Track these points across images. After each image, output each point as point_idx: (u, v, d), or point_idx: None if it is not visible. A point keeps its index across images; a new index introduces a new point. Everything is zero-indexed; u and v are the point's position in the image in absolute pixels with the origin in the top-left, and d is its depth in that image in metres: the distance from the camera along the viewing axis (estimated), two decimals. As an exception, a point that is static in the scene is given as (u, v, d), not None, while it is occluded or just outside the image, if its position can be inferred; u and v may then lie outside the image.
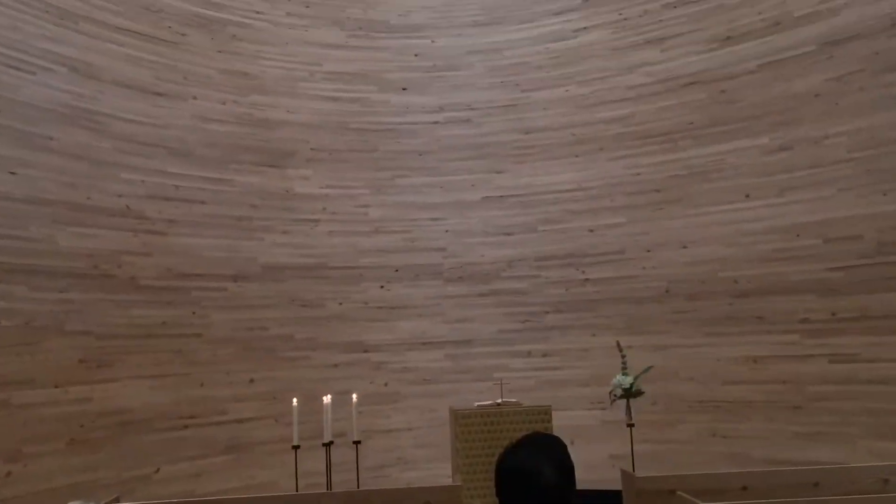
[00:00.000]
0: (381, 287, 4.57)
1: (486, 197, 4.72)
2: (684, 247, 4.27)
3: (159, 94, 4.22)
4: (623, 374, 3.40)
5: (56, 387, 3.33)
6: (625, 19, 4.77)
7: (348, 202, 4.57)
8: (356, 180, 4.62)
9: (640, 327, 4.28)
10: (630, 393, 3.36)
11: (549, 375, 4.44)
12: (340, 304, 4.49)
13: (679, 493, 2.36)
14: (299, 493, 3.12)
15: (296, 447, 3.21)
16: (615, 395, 3.40)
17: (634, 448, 3.28)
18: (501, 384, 3.70)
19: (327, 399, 3.35)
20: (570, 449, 1.03)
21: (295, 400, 3.32)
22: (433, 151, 4.81)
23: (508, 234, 4.65)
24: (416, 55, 4.95)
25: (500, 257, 4.64)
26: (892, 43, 3.80)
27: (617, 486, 2.93)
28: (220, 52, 4.52)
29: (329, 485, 3.25)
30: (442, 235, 4.69)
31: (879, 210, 3.74)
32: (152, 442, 3.67)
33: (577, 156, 4.64)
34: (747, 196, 4.16)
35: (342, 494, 2.73)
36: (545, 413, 3.50)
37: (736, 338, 4.00)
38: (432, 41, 4.98)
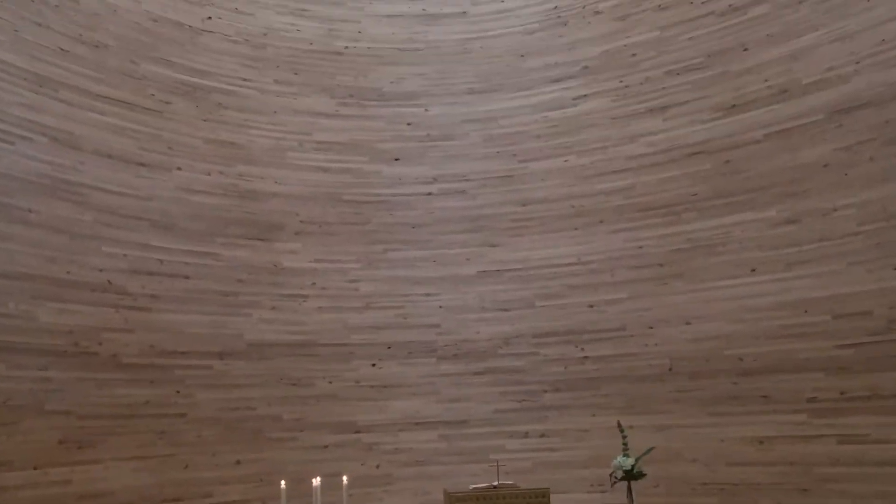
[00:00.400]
0: (373, 365, 4.91)
1: (482, 271, 5.11)
2: (688, 323, 4.61)
3: (142, 165, 4.65)
4: (624, 456, 3.68)
5: (35, 469, 3.61)
6: (626, 87, 5.24)
7: (338, 277, 4.96)
8: (347, 254, 5.03)
9: (642, 407, 4.59)
10: (631, 475, 3.64)
11: (547, 457, 4.71)
12: (330, 382, 4.82)
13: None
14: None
15: (284, 532, 3.44)
16: (616, 478, 3.68)
17: (637, 532, 3.56)
18: (498, 466, 3.94)
19: (316, 482, 3.61)
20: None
21: (283, 483, 3.58)
22: (427, 224, 5.22)
23: (505, 310, 5.02)
24: (409, 124, 5.42)
25: (496, 334, 4.99)
26: (903, 111, 4.06)
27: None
28: (205, 120, 4.98)
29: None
30: (436, 311, 5.06)
31: (890, 285, 4.05)
32: (134, 527, 3.94)
33: (576, 228, 5.04)
34: (753, 270, 4.51)
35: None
36: (543, 496, 3.73)
37: (741, 417, 4.29)
38: (426, 109, 5.47)
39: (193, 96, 4.95)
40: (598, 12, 5.47)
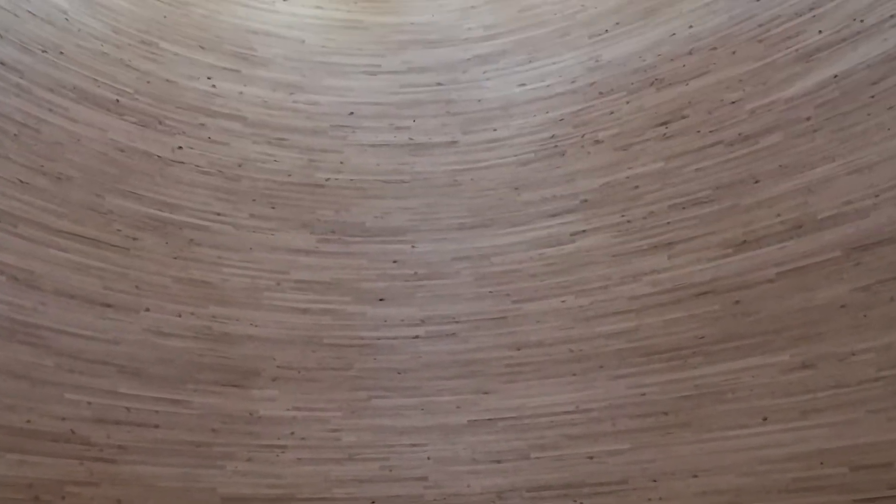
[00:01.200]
0: (356, 522, 5.45)
1: (473, 420, 5.67)
2: (695, 476, 5.14)
3: (108, 306, 5.26)
4: None
5: None
6: (628, 222, 5.85)
7: (319, 426, 5.53)
8: (328, 402, 5.62)
9: (648, 567, 5.09)
10: None
11: None
12: (311, 539, 5.35)
13: None
14: None
15: None
16: None
17: None
18: None
19: None
20: None
21: None
22: (414, 369, 5.83)
23: (498, 462, 5.55)
24: (394, 262, 6.13)
25: (488, 487, 5.50)
26: (927, 248, 4.71)
27: None
28: (175, 258, 5.64)
29: None
30: (423, 463, 5.60)
31: (911, 435, 4.51)
32: None
33: (574, 374, 5.62)
34: (765, 419, 5.02)
35: None
36: None
37: (755, 577, 4.77)
38: (413, 246, 6.19)
39: (163, 232, 5.65)
40: (598, 141, 6.20)
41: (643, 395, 5.49)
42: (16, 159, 5.20)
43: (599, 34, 6.62)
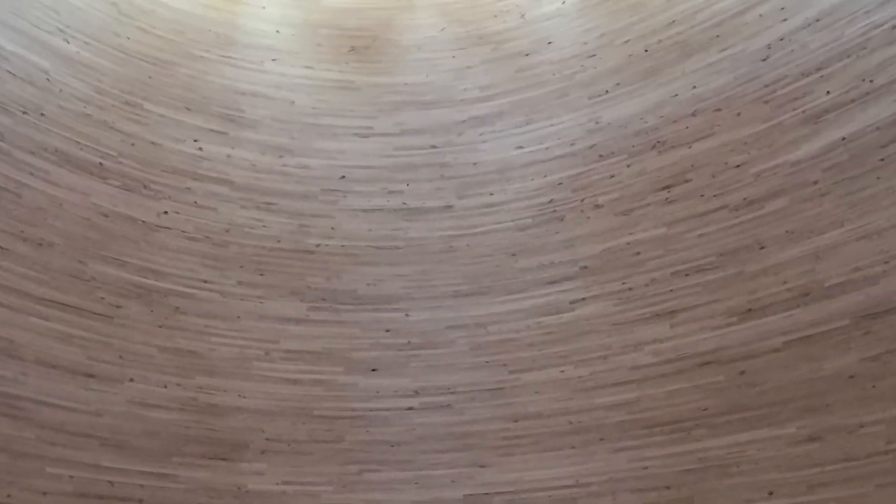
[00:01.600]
0: None
1: (469, 495, 5.89)
2: None
3: (91, 376, 5.47)
4: None
5: None
6: (629, 289, 6.11)
7: (309, 501, 5.74)
8: (318, 475, 5.83)
9: None
10: None
11: None
12: None
13: None
14: None
15: None
16: None
17: None
18: None
19: None
20: None
21: None
22: (407, 442, 6.05)
23: (495, 537, 5.79)
24: (387, 330, 6.39)
25: None
26: (939, 314, 4.93)
27: None
28: (160, 326, 5.88)
29: None
30: (418, 539, 5.85)
31: (923, 509, 4.74)
32: None
33: (574, 447, 5.84)
34: (771, 493, 5.23)
35: None
36: None
37: None
38: (406, 314, 6.46)
39: (148, 300, 5.90)
40: (598, 206, 6.47)
41: (645, 468, 5.68)
42: (-5, 225, 5.45)
43: (599, 95, 6.93)
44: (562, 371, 6.12)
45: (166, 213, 6.33)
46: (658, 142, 6.52)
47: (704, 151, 6.28)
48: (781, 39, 6.16)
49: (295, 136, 7.12)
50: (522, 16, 7.61)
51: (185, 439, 5.67)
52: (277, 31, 7.53)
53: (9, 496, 4.86)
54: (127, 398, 5.57)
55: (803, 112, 5.88)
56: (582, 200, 6.61)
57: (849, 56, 5.74)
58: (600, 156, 6.72)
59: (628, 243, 6.30)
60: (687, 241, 6.10)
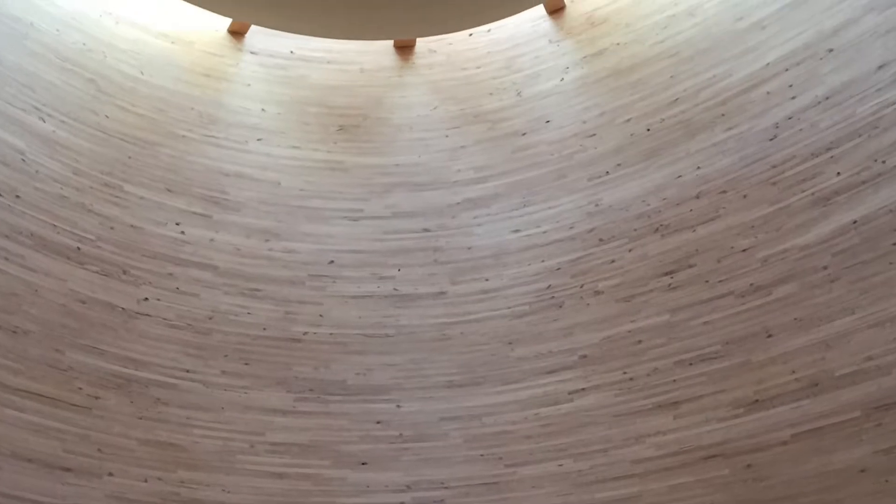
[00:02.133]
0: None
1: None
2: None
3: (68, 470, 5.66)
4: None
5: None
6: (630, 379, 6.41)
7: None
8: None
9: None
10: None
11: None
12: None
13: None
14: None
15: None
16: None
17: None
18: None
19: None
20: None
21: None
22: None
23: None
24: (378, 422, 6.68)
25: None
26: (955, 411, 5.13)
27: None
28: (141, 418, 6.13)
29: None
30: None
31: None
32: None
33: None
34: None
35: None
36: None
37: None
38: (398, 406, 6.76)
39: (127, 390, 6.16)
40: (598, 292, 6.80)
41: (648, 573, 6.02)
42: (-32, 312, 5.68)
43: (599, 176, 7.28)
44: (560, 465, 6.38)
45: (147, 299, 6.59)
46: (661, 225, 6.82)
47: (709, 235, 6.57)
48: (789, 118, 6.44)
49: (281, 220, 7.43)
50: (519, 93, 8.00)
51: (167, 535, 5.91)
52: (263, 110, 7.88)
53: (-18, 592, 5.12)
54: (106, 493, 5.76)
55: (812, 194, 6.13)
56: (581, 286, 6.92)
57: (860, 135, 6.00)
58: (600, 240, 7.04)
59: (630, 331, 6.60)
60: (691, 328, 6.38)
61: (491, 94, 8.10)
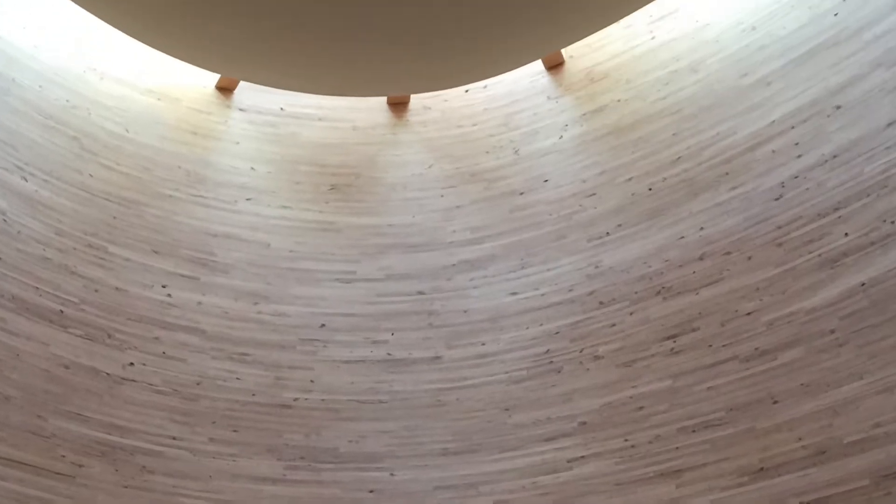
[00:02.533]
0: None
1: None
2: None
3: None
4: None
5: None
6: (632, 447, 6.61)
7: None
8: None
9: None
10: None
11: None
12: None
13: None
14: None
15: None
16: None
17: None
18: None
19: None
20: None
21: None
22: None
23: None
24: (371, 491, 6.89)
25: None
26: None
27: None
28: (126, 487, 6.35)
29: None
30: None
31: None
32: None
33: None
34: None
35: None
36: None
37: None
38: (391, 474, 6.98)
39: (112, 458, 6.38)
40: (598, 357, 7.01)
41: None
42: (-54, 378, 5.90)
43: (600, 237, 7.51)
44: (560, 534, 6.61)
45: (132, 364, 6.81)
46: (663, 287, 7.04)
47: (713, 298, 6.77)
48: (795, 177, 6.63)
49: (271, 282, 7.67)
50: (516, 151, 8.27)
51: None
52: (252, 169, 8.16)
53: None
54: (91, 567, 5.99)
55: (819, 255, 6.31)
56: (581, 351, 7.15)
57: (868, 195, 6.17)
58: (600, 303, 7.27)
59: (631, 397, 6.81)
60: (694, 394, 6.56)
61: (487, 152, 8.35)
